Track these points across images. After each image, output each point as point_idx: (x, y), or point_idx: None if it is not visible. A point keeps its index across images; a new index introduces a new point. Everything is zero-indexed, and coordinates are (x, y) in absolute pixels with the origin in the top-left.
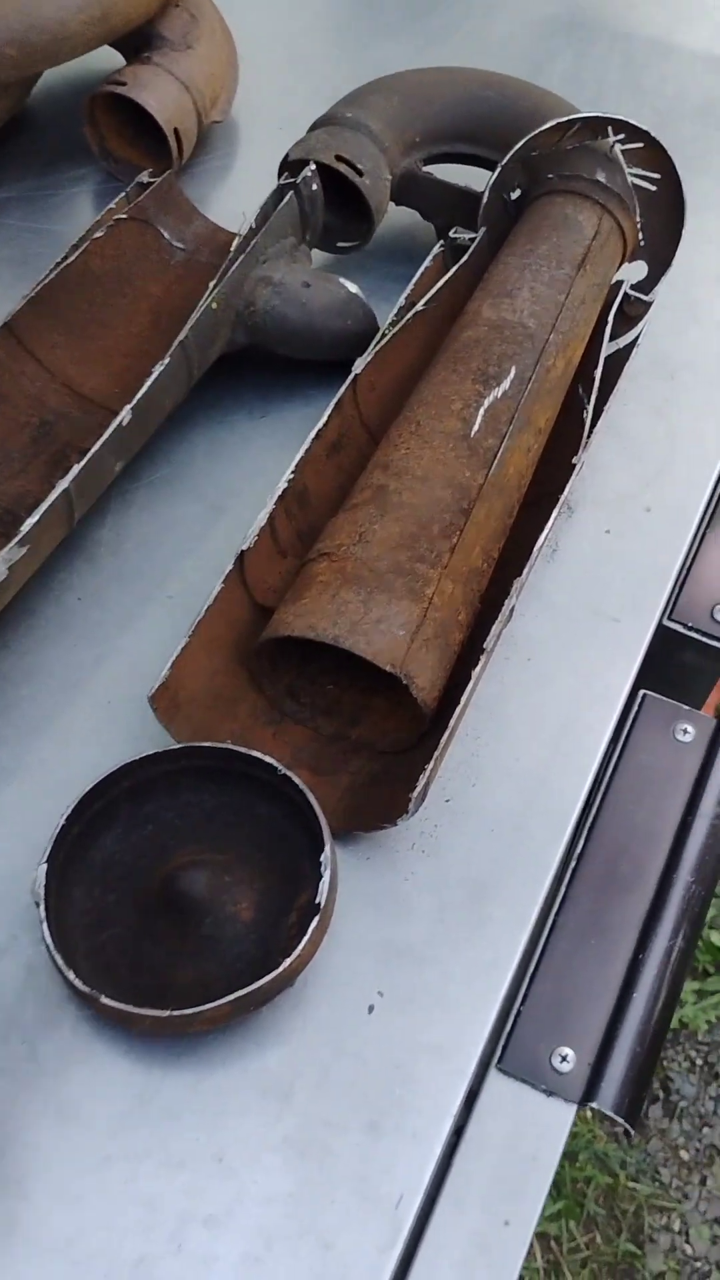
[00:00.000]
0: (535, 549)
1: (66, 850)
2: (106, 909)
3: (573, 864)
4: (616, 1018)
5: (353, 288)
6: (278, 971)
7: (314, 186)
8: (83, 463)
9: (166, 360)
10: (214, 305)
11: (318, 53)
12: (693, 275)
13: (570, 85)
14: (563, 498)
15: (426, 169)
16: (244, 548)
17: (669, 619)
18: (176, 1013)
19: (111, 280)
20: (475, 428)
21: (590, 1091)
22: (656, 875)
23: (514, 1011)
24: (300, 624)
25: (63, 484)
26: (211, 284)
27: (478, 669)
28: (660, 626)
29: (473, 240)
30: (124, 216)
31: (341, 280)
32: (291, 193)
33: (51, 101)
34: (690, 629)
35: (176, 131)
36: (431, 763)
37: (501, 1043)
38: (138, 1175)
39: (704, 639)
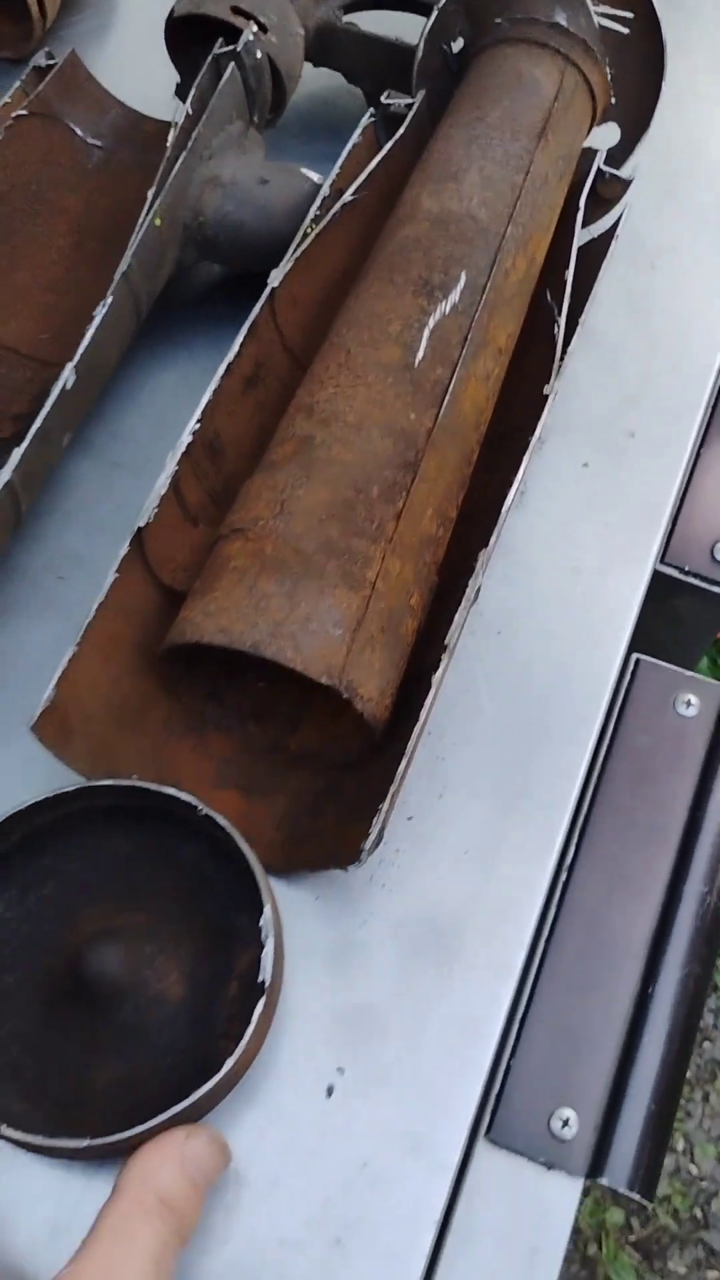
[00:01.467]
0: (504, 509)
1: None
2: (4, 994)
3: (562, 883)
4: (624, 1068)
5: (316, 177)
6: (218, 1077)
7: (258, 54)
8: (24, 444)
9: (109, 299)
10: (157, 221)
11: None
12: (669, 138)
13: None
14: (534, 438)
15: (348, 19)
16: (141, 524)
17: (661, 563)
18: (95, 1142)
19: (19, 198)
20: (419, 355)
21: (598, 1161)
22: (663, 887)
23: (503, 1068)
24: (210, 626)
25: (3, 474)
26: (150, 193)
27: (438, 674)
28: (653, 573)
29: (410, 107)
30: (23, 113)
31: (303, 170)
32: (232, 64)
33: None
34: (687, 573)
35: None
36: (387, 800)
37: (490, 1107)
38: None
39: (703, 584)
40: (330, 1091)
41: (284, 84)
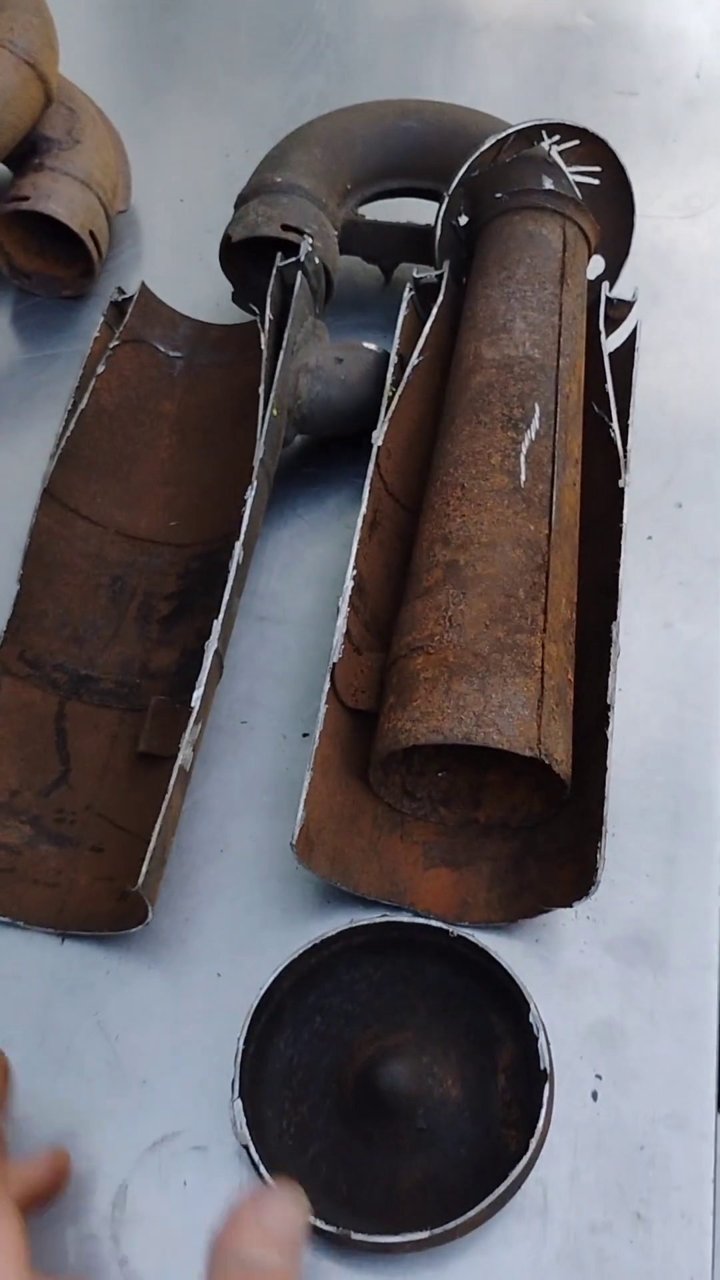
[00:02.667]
0: (619, 586)
1: (249, 1068)
2: (304, 1123)
3: None
4: None
5: (374, 347)
6: (527, 1157)
7: (316, 260)
8: (220, 616)
9: (254, 485)
10: (274, 412)
11: (186, 111)
12: (638, 254)
13: (449, 84)
14: (624, 524)
15: (360, 211)
16: (334, 660)
17: None
18: (436, 1231)
19: (125, 413)
20: (523, 478)
21: None
22: None
23: None
24: (422, 729)
25: (211, 645)
26: (261, 390)
27: (610, 728)
28: None
29: (440, 278)
30: (118, 342)
31: (364, 344)
32: (299, 273)
33: None
34: None
35: (93, 234)
36: (602, 838)
37: None
38: None
39: None
40: (595, 1096)
41: (331, 278)
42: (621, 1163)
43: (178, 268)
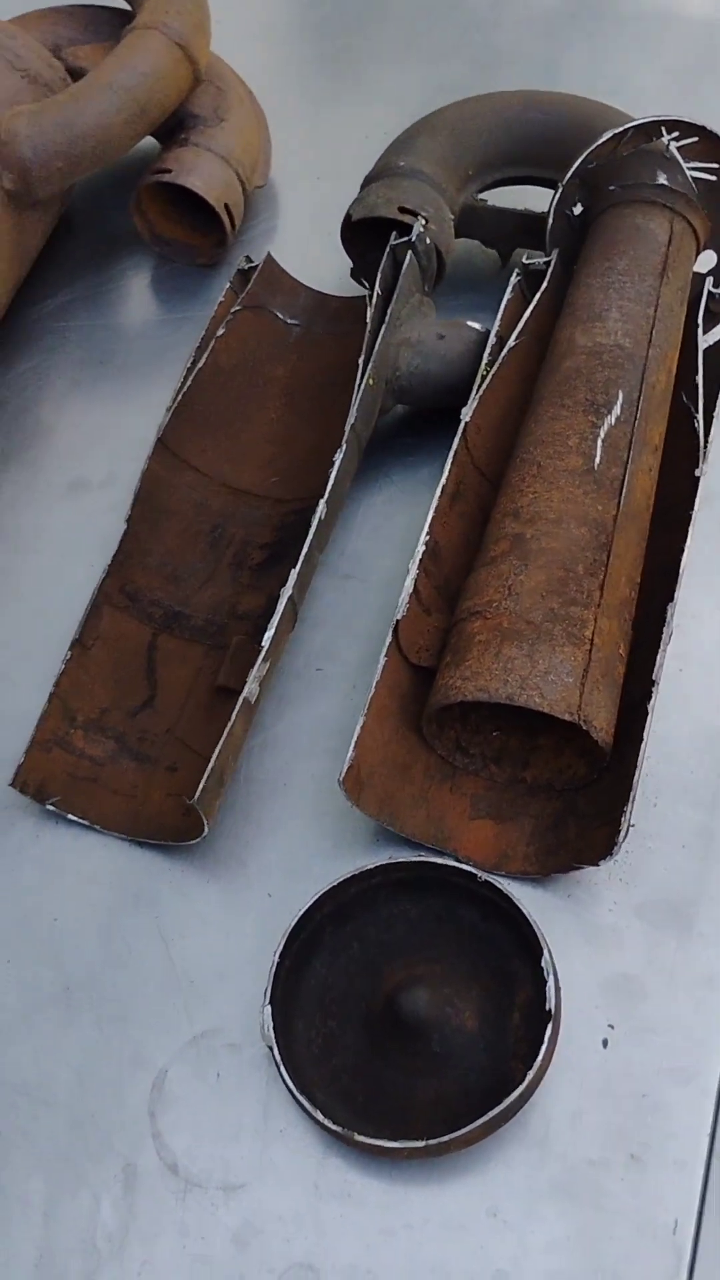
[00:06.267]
0: (680, 570)
1: (284, 982)
2: (331, 1036)
3: None
4: None
5: (478, 326)
6: (523, 1086)
7: (427, 241)
8: (298, 566)
9: (343, 447)
10: (370, 381)
11: (331, 93)
12: None
13: (590, 76)
14: (695, 511)
15: (481, 196)
16: (398, 617)
17: None
18: (432, 1142)
19: (241, 371)
20: (597, 460)
21: None
22: None
23: None
24: (470, 687)
25: (286, 591)
26: (360, 360)
27: (652, 702)
28: None
29: (547, 264)
30: (239, 308)
31: (468, 322)
32: (410, 253)
33: (90, 197)
34: None
35: (227, 207)
36: (629, 803)
37: None
38: (423, 1241)
39: None
40: (605, 1044)
41: (443, 259)
42: (624, 1107)
43: (309, 241)
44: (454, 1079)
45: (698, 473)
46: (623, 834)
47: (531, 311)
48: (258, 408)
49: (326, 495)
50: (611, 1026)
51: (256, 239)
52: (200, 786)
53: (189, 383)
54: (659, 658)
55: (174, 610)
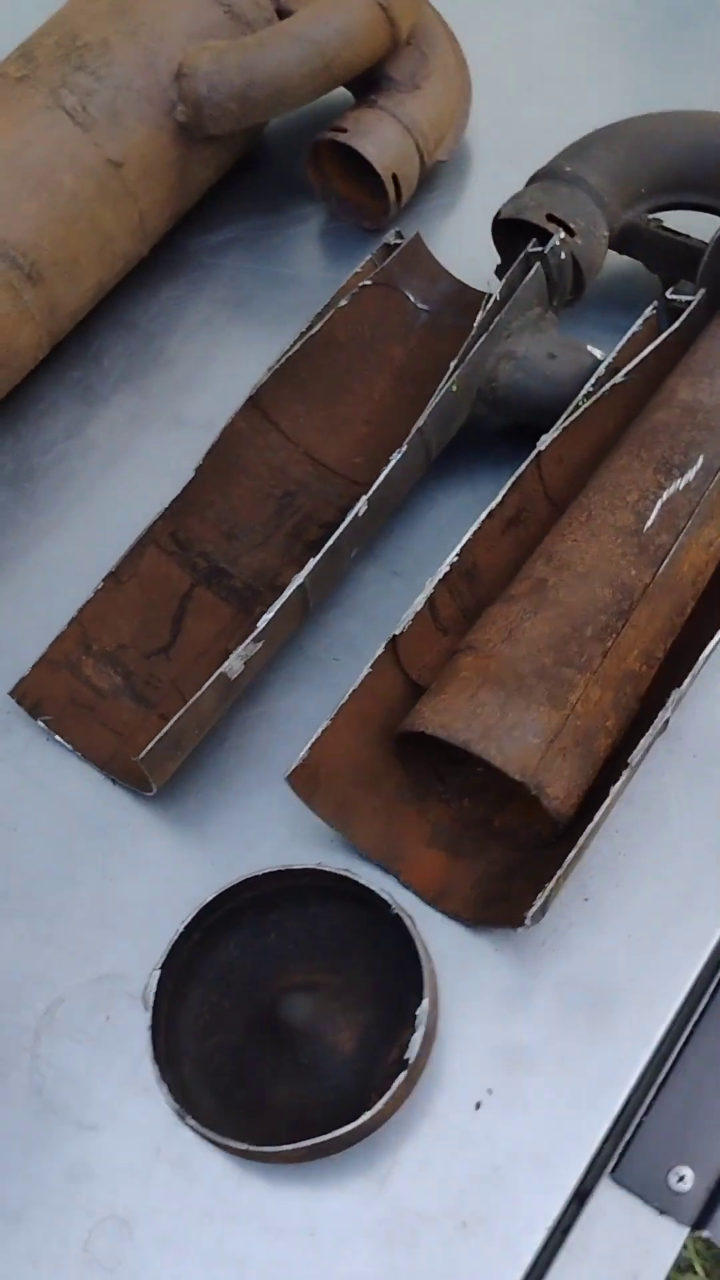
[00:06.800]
0: (700, 660)
1: (189, 951)
2: (221, 1014)
3: (716, 980)
4: None
5: (599, 354)
6: (354, 1125)
7: (562, 255)
8: (318, 557)
9: (404, 448)
10: (454, 388)
11: (558, 75)
12: None
13: None
14: None
15: (657, 216)
16: (397, 632)
17: None
18: (255, 1148)
19: (355, 346)
20: (649, 522)
21: (704, 1217)
22: None
23: (635, 1121)
24: (435, 721)
25: (298, 579)
26: (453, 364)
27: (616, 786)
28: None
29: (688, 303)
30: (368, 283)
31: (589, 347)
32: (538, 264)
33: (283, 139)
34: None
35: (395, 178)
36: (552, 882)
37: (619, 1151)
38: (237, 1234)
39: None
40: (479, 1106)
41: (584, 275)
42: (473, 1173)
43: (475, 225)
44: (314, 1093)
45: None
46: (535, 908)
47: (653, 350)
48: (363, 385)
49: (369, 492)
50: (490, 1091)
51: (427, 212)
52: (150, 746)
53: (296, 347)
54: (643, 740)
55: (219, 566)
